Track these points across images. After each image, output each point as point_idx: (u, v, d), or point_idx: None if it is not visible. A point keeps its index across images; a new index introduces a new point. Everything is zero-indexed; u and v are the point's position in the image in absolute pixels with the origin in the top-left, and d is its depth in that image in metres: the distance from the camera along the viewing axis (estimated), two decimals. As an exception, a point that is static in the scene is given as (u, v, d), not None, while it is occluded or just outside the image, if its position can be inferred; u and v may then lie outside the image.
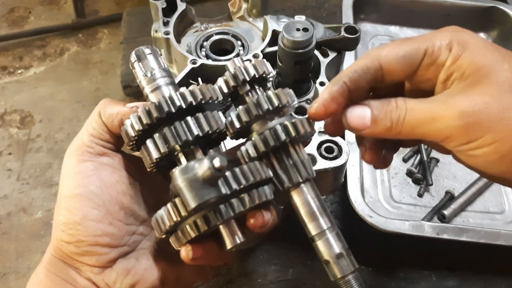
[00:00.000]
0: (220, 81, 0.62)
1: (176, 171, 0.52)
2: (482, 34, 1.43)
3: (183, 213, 0.52)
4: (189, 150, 0.58)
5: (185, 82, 0.96)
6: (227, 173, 0.53)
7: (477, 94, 0.52)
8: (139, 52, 0.63)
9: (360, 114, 0.57)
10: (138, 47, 0.64)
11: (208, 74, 0.99)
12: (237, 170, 0.54)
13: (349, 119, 0.58)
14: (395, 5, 1.43)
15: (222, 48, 1.08)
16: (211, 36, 1.09)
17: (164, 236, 0.57)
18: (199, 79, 0.97)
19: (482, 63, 0.52)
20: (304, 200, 0.58)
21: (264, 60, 0.63)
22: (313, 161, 0.85)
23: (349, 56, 1.20)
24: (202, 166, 0.50)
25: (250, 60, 0.64)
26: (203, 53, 1.06)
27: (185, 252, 0.56)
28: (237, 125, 0.58)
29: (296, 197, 0.59)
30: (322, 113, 0.58)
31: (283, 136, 0.56)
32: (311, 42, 0.92)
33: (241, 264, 1.03)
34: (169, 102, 0.55)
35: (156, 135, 0.56)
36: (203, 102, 0.57)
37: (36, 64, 1.65)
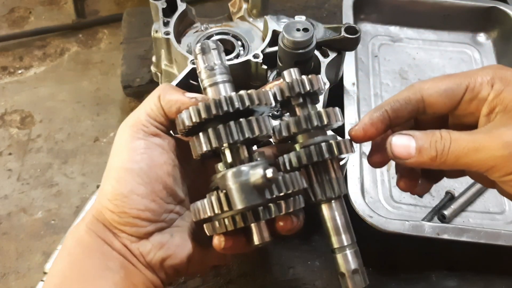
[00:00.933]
0: (276, 89, 0.65)
1: (229, 173, 0.58)
2: (482, 34, 1.43)
3: (226, 209, 0.57)
4: (235, 148, 0.62)
5: (185, 82, 0.96)
6: None
7: None
8: (204, 45, 0.66)
9: (405, 144, 0.60)
10: (204, 41, 0.67)
11: (208, 74, 0.99)
12: (280, 179, 0.58)
13: (393, 148, 0.61)
14: (395, 5, 1.43)
15: (222, 48, 1.09)
16: (211, 36, 1.09)
17: (199, 222, 0.62)
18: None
19: None
20: (332, 215, 0.64)
21: (319, 76, 0.66)
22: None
23: (349, 57, 1.20)
24: (255, 174, 0.56)
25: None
26: (203, 53, 1.06)
27: (218, 242, 0.62)
28: (285, 134, 0.64)
29: (325, 210, 0.64)
30: (360, 136, 0.64)
31: (326, 154, 0.61)
32: (311, 42, 0.92)
33: (241, 264, 1.03)
34: (228, 102, 0.59)
35: (210, 130, 0.60)
36: (258, 106, 0.61)
37: (36, 64, 1.65)
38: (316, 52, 1.00)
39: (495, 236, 0.95)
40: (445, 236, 0.95)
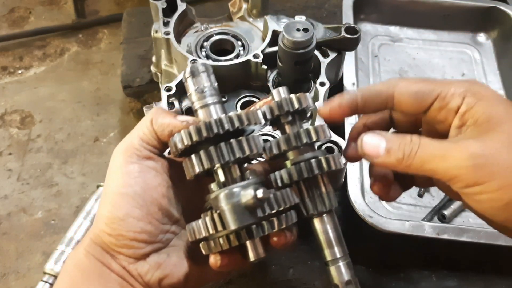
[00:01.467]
0: (265, 108, 0.67)
1: (221, 194, 0.60)
2: (482, 34, 1.43)
3: (220, 229, 0.60)
4: (227, 167, 0.64)
5: (185, 82, 0.96)
6: None
7: (488, 140, 0.55)
8: (194, 68, 0.68)
9: (375, 143, 0.61)
10: (194, 63, 0.69)
11: (208, 74, 0.99)
12: (271, 196, 0.61)
13: (364, 145, 0.62)
14: (395, 5, 1.43)
15: (222, 48, 1.09)
16: (211, 36, 1.09)
17: (194, 241, 0.64)
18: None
19: (495, 114, 0.57)
20: (324, 228, 0.66)
21: (308, 94, 0.68)
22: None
23: (349, 57, 1.20)
24: (246, 195, 0.58)
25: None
26: (203, 53, 1.06)
27: (214, 260, 0.63)
28: (275, 151, 0.65)
29: (317, 224, 0.66)
30: (326, 115, 0.67)
31: (316, 170, 0.63)
32: (311, 43, 0.92)
33: (241, 264, 1.03)
34: (218, 124, 0.61)
35: (201, 152, 0.62)
36: (248, 126, 0.63)
37: (36, 64, 1.65)
38: (316, 52, 1.00)
39: (495, 236, 0.95)
40: (445, 236, 0.95)
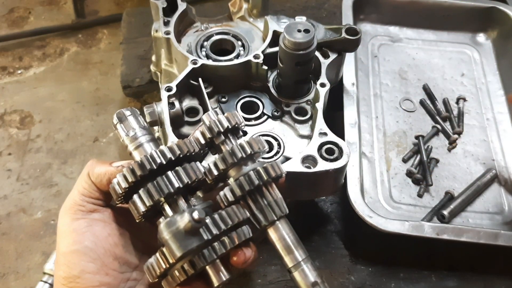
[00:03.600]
0: (197, 133, 0.68)
1: (161, 225, 0.59)
2: (481, 34, 1.44)
3: (171, 261, 0.59)
4: (172, 200, 0.63)
5: (185, 82, 0.96)
6: (207, 220, 0.60)
7: None
8: (120, 114, 0.69)
9: None
10: (119, 110, 0.70)
11: (208, 74, 0.99)
12: (216, 216, 0.60)
13: None
14: (395, 5, 1.43)
15: (222, 48, 1.08)
16: (211, 36, 1.09)
17: (156, 280, 0.63)
18: (200, 79, 0.97)
19: None
20: (280, 236, 0.65)
21: (236, 112, 0.70)
22: (314, 162, 0.85)
23: (349, 57, 1.20)
24: (183, 220, 0.57)
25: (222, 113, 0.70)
26: (204, 53, 1.06)
27: None
28: (215, 172, 0.65)
29: (272, 233, 0.66)
30: None
31: (256, 181, 0.63)
32: (312, 44, 0.92)
33: (241, 264, 1.03)
34: (150, 160, 0.61)
35: (141, 191, 0.61)
36: (181, 156, 0.63)
37: (36, 65, 1.65)
38: (317, 53, 1.00)
39: (495, 236, 0.95)
40: (445, 236, 0.95)
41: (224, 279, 0.62)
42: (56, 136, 1.45)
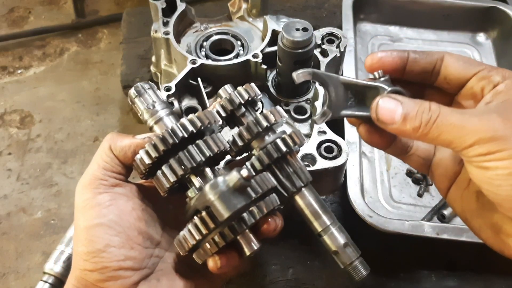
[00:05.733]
0: (218, 106, 0.68)
1: (206, 188, 0.58)
2: (482, 34, 1.43)
3: (212, 226, 0.58)
4: (199, 171, 0.63)
5: (185, 82, 0.96)
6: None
7: None
8: (138, 88, 0.68)
9: (391, 108, 0.58)
10: (137, 83, 0.69)
11: (207, 74, 0.99)
12: (252, 181, 0.59)
13: (379, 111, 0.59)
14: (395, 5, 1.43)
15: (222, 48, 1.08)
16: (210, 36, 1.09)
17: (187, 253, 0.62)
18: (199, 79, 0.97)
19: None
20: (308, 202, 0.66)
21: (253, 84, 0.70)
22: (313, 160, 0.85)
23: (348, 56, 1.20)
24: (232, 178, 0.56)
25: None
26: (203, 53, 1.06)
27: (213, 262, 0.61)
28: (240, 143, 0.66)
29: (300, 200, 0.66)
30: (375, 60, 0.63)
31: (283, 148, 0.64)
32: (310, 42, 0.92)
33: (241, 264, 1.03)
34: (181, 128, 0.61)
35: (171, 160, 0.61)
36: (209, 126, 0.63)
37: (36, 64, 1.65)
38: (316, 52, 1.00)
39: (495, 236, 0.94)
40: (445, 236, 0.95)
41: (256, 248, 0.62)
42: (56, 136, 1.45)
